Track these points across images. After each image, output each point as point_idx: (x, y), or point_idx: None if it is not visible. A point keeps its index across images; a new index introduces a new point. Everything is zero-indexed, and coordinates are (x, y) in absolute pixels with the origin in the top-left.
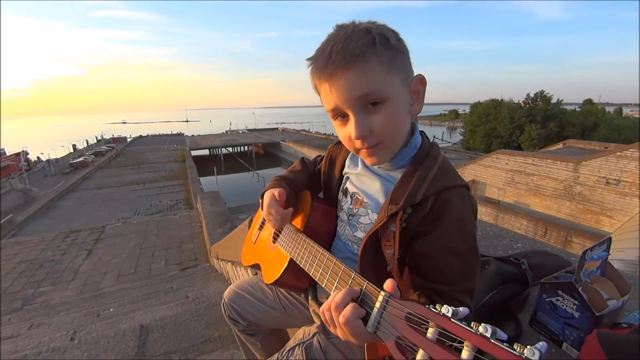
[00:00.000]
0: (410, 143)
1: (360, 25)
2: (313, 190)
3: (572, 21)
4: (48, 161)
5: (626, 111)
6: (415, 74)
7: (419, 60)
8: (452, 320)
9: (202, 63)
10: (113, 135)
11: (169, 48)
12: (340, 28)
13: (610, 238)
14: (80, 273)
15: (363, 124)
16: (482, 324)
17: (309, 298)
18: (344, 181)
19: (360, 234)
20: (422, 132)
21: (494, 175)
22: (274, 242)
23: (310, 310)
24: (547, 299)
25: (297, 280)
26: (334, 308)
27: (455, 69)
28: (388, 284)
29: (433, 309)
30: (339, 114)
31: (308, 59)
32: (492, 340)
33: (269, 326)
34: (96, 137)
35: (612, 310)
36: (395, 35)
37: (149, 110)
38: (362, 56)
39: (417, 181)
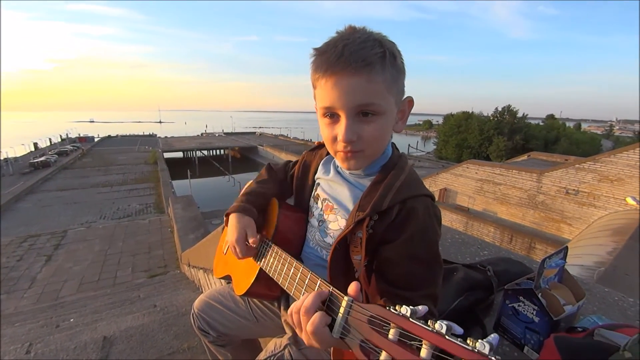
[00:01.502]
0: (382, 153)
1: (373, 34)
2: (283, 197)
3: (538, 42)
4: (6, 160)
5: (584, 126)
6: (405, 95)
7: None
8: (411, 319)
9: (178, 63)
10: (79, 134)
11: (144, 46)
12: (353, 30)
13: (567, 247)
14: (37, 281)
15: (353, 130)
16: (439, 322)
17: (281, 308)
18: (315, 187)
19: (330, 240)
20: (392, 143)
21: (464, 184)
22: None
23: (282, 320)
24: (509, 305)
25: (268, 289)
26: (303, 312)
27: (430, 81)
28: (352, 287)
29: (393, 310)
30: (330, 113)
31: (314, 49)
32: (447, 337)
33: (240, 336)
34: (60, 136)
35: (568, 315)
36: (400, 55)
37: (120, 110)
38: (372, 66)
39: (384, 189)
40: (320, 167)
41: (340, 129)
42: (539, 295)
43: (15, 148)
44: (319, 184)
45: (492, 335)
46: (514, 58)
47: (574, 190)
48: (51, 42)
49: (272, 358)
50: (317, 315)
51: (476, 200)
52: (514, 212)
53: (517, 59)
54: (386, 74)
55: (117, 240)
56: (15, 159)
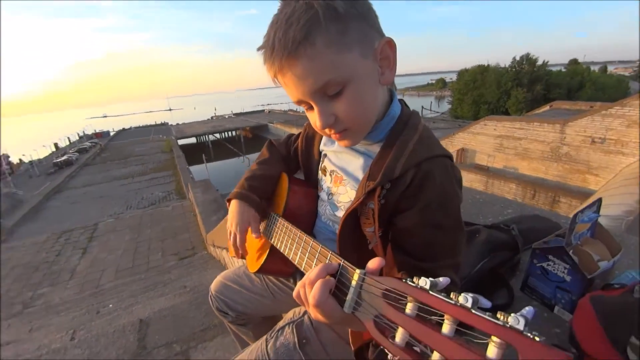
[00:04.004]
0: (388, 114)
1: None
2: (289, 172)
3: None
4: (31, 162)
5: (610, 69)
6: (382, 37)
7: (401, 29)
8: (431, 292)
9: (180, 46)
10: (95, 130)
11: (143, 33)
12: (283, 5)
13: (600, 199)
14: (77, 272)
15: (326, 113)
16: (463, 294)
17: (297, 282)
18: (322, 159)
19: (341, 213)
20: (401, 101)
21: (483, 142)
22: None
23: None
24: (538, 265)
25: (282, 265)
26: (307, 284)
27: (441, 36)
28: (375, 262)
29: (410, 283)
30: (304, 103)
31: (258, 49)
32: (472, 311)
33: (259, 314)
34: (78, 134)
35: (603, 272)
36: None
37: (129, 102)
38: (306, 40)
39: (396, 154)
40: (324, 138)
41: (315, 116)
42: (570, 253)
43: (38, 150)
44: (325, 155)
45: (526, 308)
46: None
47: (600, 138)
48: (56, 44)
49: (291, 324)
50: (317, 284)
51: (496, 157)
52: (537, 166)
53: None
54: (328, 34)
55: (145, 228)
56: (40, 160)
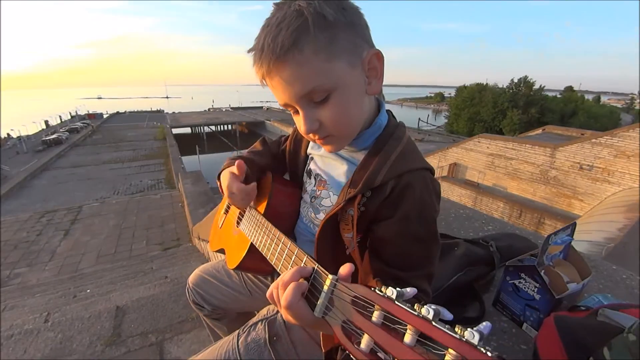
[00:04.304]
0: (374, 123)
1: (294, 4)
2: (277, 172)
3: (558, 6)
4: (19, 138)
5: (604, 99)
6: (371, 48)
7: (407, 40)
8: (396, 302)
9: (183, 35)
10: (88, 111)
11: (147, 18)
12: (276, 9)
13: (574, 223)
14: (57, 254)
15: (311, 119)
16: (426, 306)
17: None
18: (308, 162)
19: (322, 216)
20: (388, 112)
21: (475, 159)
22: (237, 227)
23: None
24: (510, 281)
25: (260, 264)
26: (281, 285)
27: (442, 51)
28: (345, 268)
29: (378, 292)
30: (290, 107)
31: (248, 51)
32: (433, 323)
33: (235, 310)
34: (70, 113)
35: (571, 293)
36: (338, 6)
37: (126, 85)
38: (294, 46)
39: (378, 164)
40: (311, 142)
41: (301, 121)
42: (542, 272)
43: (28, 126)
44: (312, 158)
45: (483, 323)
46: (532, 23)
47: (588, 165)
48: (62, 25)
49: (264, 321)
50: (290, 287)
51: (486, 175)
52: (525, 187)
53: (536, 24)
54: (317, 42)
55: (130, 214)
56: (28, 136)
